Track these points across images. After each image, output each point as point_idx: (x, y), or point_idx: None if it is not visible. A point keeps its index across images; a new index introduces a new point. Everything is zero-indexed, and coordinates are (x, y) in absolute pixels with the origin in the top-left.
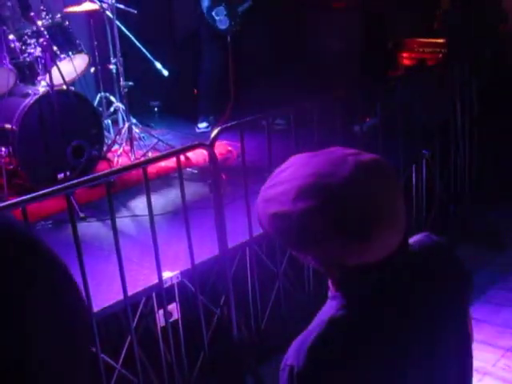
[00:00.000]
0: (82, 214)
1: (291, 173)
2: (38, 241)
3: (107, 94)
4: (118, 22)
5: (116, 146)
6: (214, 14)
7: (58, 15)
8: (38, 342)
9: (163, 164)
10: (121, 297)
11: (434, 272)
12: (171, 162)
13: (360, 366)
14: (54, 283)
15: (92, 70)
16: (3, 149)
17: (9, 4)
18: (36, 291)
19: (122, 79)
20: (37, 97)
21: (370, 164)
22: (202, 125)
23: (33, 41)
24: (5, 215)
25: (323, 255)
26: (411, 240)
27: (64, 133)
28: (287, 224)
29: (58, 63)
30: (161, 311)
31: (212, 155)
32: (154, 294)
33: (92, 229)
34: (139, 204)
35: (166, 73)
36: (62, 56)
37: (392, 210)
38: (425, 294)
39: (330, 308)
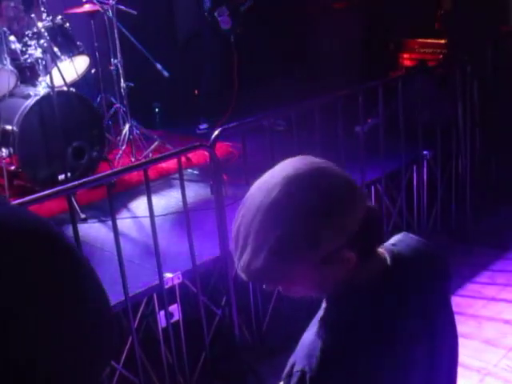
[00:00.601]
0: (82, 215)
1: (243, 230)
2: (61, 236)
3: (108, 95)
4: (118, 23)
5: (117, 147)
6: (216, 14)
7: (59, 16)
8: (50, 340)
9: (164, 165)
10: (122, 297)
11: (420, 270)
12: (172, 163)
13: (372, 367)
14: (75, 282)
15: (92, 71)
16: (4, 150)
17: (12, 4)
18: (54, 290)
19: (122, 80)
20: (38, 98)
21: (284, 162)
22: (203, 126)
23: (33, 42)
24: (27, 211)
25: (329, 249)
26: (392, 240)
27: (65, 134)
28: (292, 244)
29: (59, 64)
30: (162, 312)
31: (213, 156)
32: (155, 295)
33: (93, 230)
34: (140, 205)
35: (166, 74)
36: (63, 57)
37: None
38: (417, 293)
39: (330, 311)
